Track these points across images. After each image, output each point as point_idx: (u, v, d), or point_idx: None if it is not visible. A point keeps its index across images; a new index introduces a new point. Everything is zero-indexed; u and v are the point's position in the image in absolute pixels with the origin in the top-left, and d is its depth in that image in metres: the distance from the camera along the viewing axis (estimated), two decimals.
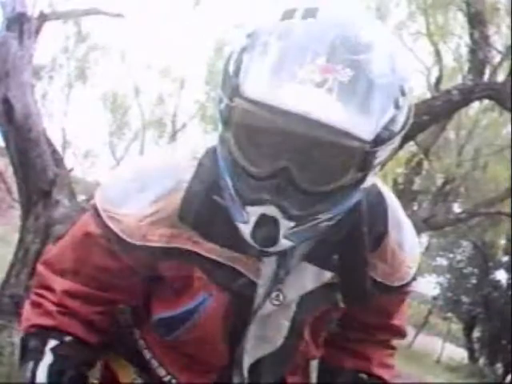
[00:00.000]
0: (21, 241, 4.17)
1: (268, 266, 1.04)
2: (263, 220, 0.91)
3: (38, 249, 4.06)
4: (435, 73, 9.43)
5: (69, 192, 4.33)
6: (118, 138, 11.81)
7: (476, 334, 14.14)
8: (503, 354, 12.47)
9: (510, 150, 7.97)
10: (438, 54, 9.07)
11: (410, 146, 8.03)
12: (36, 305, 1.11)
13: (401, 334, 1.29)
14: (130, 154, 11.59)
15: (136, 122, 11.64)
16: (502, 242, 11.29)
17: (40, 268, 1.14)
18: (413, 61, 9.82)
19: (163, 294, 1.12)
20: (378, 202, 1.09)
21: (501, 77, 6.94)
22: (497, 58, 7.67)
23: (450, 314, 15.40)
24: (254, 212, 0.91)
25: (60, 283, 1.08)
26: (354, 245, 1.05)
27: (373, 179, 0.98)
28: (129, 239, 1.02)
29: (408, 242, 1.13)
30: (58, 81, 10.76)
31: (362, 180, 0.93)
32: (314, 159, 0.89)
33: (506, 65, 7.22)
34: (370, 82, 0.86)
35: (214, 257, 1.03)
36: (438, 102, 5.02)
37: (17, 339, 3.81)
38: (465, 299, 14.05)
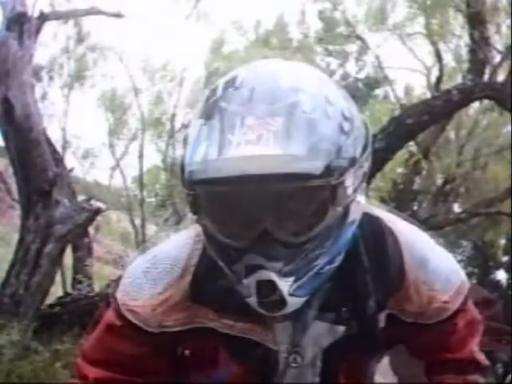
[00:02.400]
0: (21, 241, 4.18)
1: (284, 332, 1.04)
2: (262, 287, 0.91)
3: (38, 249, 4.06)
4: (435, 73, 9.44)
5: (69, 192, 4.34)
6: (117, 139, 11.80)
7: None
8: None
9: (510, 150, 7.98)
10: (437, 53, 9.07)
11: (409, 146, 8.03)
12: None
13: (472, 366, 1.17)
14: (129, 154, 11.59)
15: (135, 122, 11.64)
16: (502, 241, 11.29)
17: (78, 359, 1.21)
18: (413, 61, 9.83)
19: (192, 367, 1.17)
20: (384, 243, 1.06)
21: (501, 77, 6.95)
22: (497, 58, 7.67)
23: None
24: (250, 283, 0.92)
25: (93, 372, 1.14)
26: (359, 293, 1.03)
27: (359, 209, 0.97)
28: (147, 328, 1.08)
29: (439, 277, 1.08)
30: (58, 81, 10.76)
31: (346, 214, 0.93)
32: (287, 211, 0.89)
33: (506, 65, 7.22)
34: (304, 120, 0.87)
35: (229, 331, 1.05)
36: (438, 101, 5.03)
37: (16, 339, 3.81)
38: None
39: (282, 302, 0.92)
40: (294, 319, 1.03)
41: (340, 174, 0.88)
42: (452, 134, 10.01)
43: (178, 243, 1.11)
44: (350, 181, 0.90)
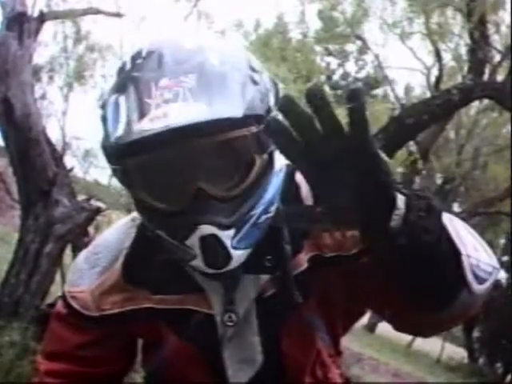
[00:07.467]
0: (21, 241, 4.17)
1: (216, 293, 1.04)
2: (206, 243, 0.92)
3: (38, 248, 4.06)
4: (435, 72, 9.45)
5: (69, 191, 4.33)
6: None
7: (476, 333, 14.13)
8: (503, 353, 12.49)
9: (509, 149, 7.98)
10: (437, 53, 9.08)
11: (409, 146, 8.04)
12: None
13: None
14: None
15: None
16: (502, 241, 11.32)
17: (38, 357, 1.21)
18: (412, 60, 9.84)
19: (144, 352, 1.17)
20: (291, 187, 1.04)
21: (500, 76, 6.95)
22: (497, 58, 7.67)
23: None
24: (193, 241, 0.92)
25: (44, 365, 1.16)
26: (277, 240, 1.02)
27: (282, 157, 0.99)
28: (88, 313, 1.10)
29: None
30: (57, 81, 10.75)
31: (271, 161, 0.95)
32: (217, 166, 0.91)
33: (506, 64, 7.22)
34: (216, 73, 0.90)
35: (165, 306, 1.05)
36: (438, 101, 5.03)
37: (16, 339, 3.81)
38: None
39: (227, 257, 0.93)
40: (224, 277, 1.02)
41: (259, 121, 0.90)
42: (452, 134, 10.04)
43: (117, 229, 1.14)
44: None
